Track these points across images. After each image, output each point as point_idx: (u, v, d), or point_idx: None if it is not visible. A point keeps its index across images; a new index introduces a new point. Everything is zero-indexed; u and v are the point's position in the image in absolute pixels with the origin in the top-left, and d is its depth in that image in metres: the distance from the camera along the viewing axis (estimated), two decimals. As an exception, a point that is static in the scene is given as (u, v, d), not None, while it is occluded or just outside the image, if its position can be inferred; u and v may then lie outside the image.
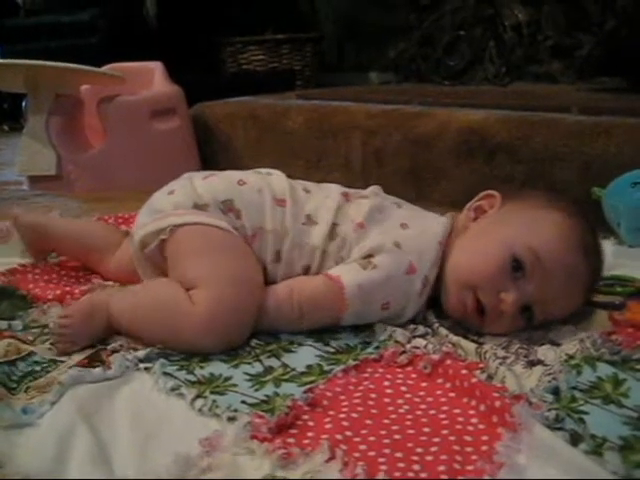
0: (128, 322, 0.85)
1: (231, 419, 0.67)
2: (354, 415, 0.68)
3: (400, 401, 0.71)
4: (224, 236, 0.87)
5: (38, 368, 0.79)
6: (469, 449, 0.62)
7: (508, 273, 0.83)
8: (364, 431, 0.65)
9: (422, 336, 0.83)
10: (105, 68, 1.96)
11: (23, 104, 1.92)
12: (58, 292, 1.01)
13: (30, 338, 0.87)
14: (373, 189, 0.97)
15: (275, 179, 0.94)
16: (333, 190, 0.95)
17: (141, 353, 0.80)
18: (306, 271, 0.89)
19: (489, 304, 0.84)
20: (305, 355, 0.81)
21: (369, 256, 0.85)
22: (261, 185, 0.92)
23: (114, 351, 0.82)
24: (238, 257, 0.86)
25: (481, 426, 0.65)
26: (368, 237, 0.87)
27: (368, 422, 0.67)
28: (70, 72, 1.82)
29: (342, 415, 0.68)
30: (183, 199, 0.90)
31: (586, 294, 0.89)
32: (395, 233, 0.88)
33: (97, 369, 0.77)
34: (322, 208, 0.91)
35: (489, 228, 0.89)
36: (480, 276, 0.84)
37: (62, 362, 0.81)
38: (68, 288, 1.03)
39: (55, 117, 1.84)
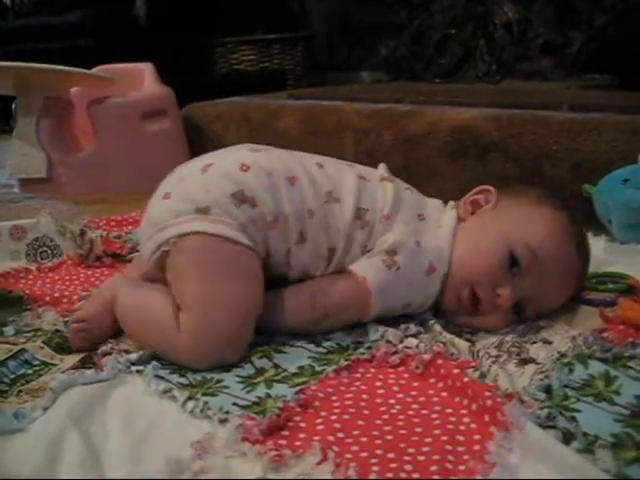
0: (127, 328, 0.85)
1: (223, 421, 0.67)
2: (346, 416, 0.68)
3: (392, 401, 0.71)
4: (226, 249, 0.80)
5: (30, 371, 0.79)
6: (461, 449, 0.62)
7: (506, 269, 0.85)
8: (356, 432, 0.65)
9: (414, 335, 0.83)
10: (95, 70, 1.95)
11: (13, 107, 1.91)
12: (56, 295, 1.01)
13: (22, 341, 0.87)
14: (384, 169, 0.95)
15: (277, 155, 0.89)
16: (345, 168, 0.91)
17: (133, 356, 0.80)
18: (332, 253, 0.86)
19: (485, 298, 0.85)
20: (297, 356, 0.81)
21: (393, 252, 0.85)
22: (268, 166, 0.85)
23: (105, 354, 0.81)
24: (236, 279, 0.80)
25: (473, 425, 0.65)
26: (392, 229, 0.86)
27: (360, 423, 0.66)
28: (60, 74, 1.81)
29: (334, 416, 0.68)
30: (182, 205, 0.82)
31: (577, 285, 0.92)
32: (415, 227, 0.88)
33: (89, 371, 0.77)
34: (342, 186, 0.87)
35: (487, 224, 0.90)
36: (481, 273, 0.85)
37: (54, 365, 0.81)
38: (67, 293, 1.03)
39: (45, 119, 1.83)
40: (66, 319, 0.91)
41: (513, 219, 0.89)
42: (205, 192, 0.82)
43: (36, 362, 0.81)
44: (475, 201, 0.94)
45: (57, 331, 0.88)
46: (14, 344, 0.85)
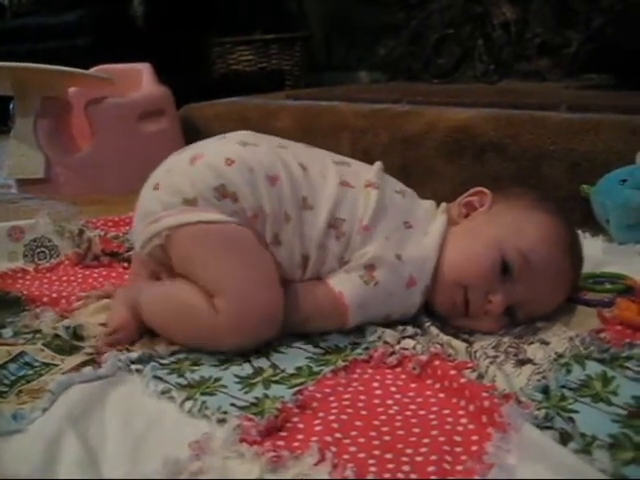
0: (156, 324, 0.86)
1: (221, 421, 0.67)
2: (343, 417, 0.68)
3: (389, 402, 0.71)
4: (226, 231, 0.82)
5: (31, 372, 0.79)
6: (459, 449, 0.62)
7: (497, 275, 0.85)
8: (354, 432, 0.65)
9: (411, 337, 0.83)
10: (93, 70, 1.95)
11: (10, 107, 1.90)
12: (54, 296, 1.01)
13: (21, 342, 0.86)
14: (377, 170, 0.93)
15: (264, 151, 0.88)
16: (330, 172, 0.89)
17: (133, 355, 0.80)
18: (305, 261, 0.86)
19: (476, 303, 0.85)
20: (294, 356, 0.81)
21: (371, 267, 0.84)
22: (251, 162, 0.85)
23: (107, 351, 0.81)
24: (249, 253, 0.82)
25: (471, 426, 0.65)
26: (371, 242, 0.85)
27: (358, 423, 0.66)
28: (57, 74, 1.81)
29: (331, 417, 0.68)
30: (170, 197, 0.84)
31: (569, 290, 0.91)
32: (398, 237, 0.87)
33: (87, 368, 0.77)
34: (320, 193, 0.86)
35: (480, 228, 0.90)
36: (473, 276, 0.85)
37: (55, 365, 0.80)
38: (65, 293, 1.03)
39: (43, 120, 1.83)
40: (66, 322, 0.91)
41: (506, 223, 0.88)
42: (191, 184, 0.83)
43: (37, 364, 0.81)
44: (469, 203, 0.94)
45: (57, 336, 0.88)
46: (13, 345, 0.85)
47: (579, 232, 1.13)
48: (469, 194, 0.95)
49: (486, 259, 0.85)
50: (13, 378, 0.78)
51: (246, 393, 0.73)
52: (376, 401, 0.71)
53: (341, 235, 0.85)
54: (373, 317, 0.86)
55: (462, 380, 0.71)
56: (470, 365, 0.76)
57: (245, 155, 0.86)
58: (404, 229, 0.88)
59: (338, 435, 0.64)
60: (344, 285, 0.85)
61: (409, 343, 0.81)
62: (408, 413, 0.69)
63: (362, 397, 0.72)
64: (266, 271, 0.83)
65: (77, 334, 0.88)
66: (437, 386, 0.73)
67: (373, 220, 0.86)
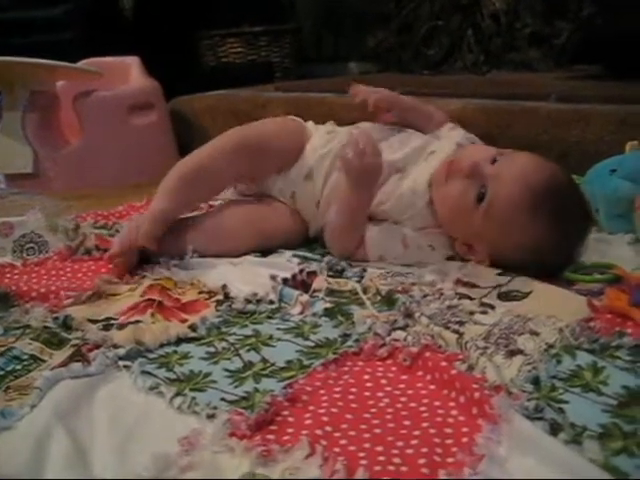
0: None
1: (210, 416, 0.67)
2: (334, 410, 0.67)
3: (380, 394, 0.71)
4: None
5: (19, 367, 0.79)
6: (449, 441, 0.62)
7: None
8: (344, 426, 0.65)
9: (402, 328, 0.83)
10: (81, 63, 1.94)
11: (-3, 101, 1.89)
12: (42, 290, 1.01)
13: (11, 340, 0.86)
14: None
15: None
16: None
17: (121, 351, 0.80)
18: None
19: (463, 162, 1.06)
20: (285, 350, 0.81)
21: None
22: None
23: (96, 346, 0.81)
24: None
25: (461, 418, 0.65)
26: None
27: (348, 416, 0.66)
28: (45, 68, 1.80)
29: (322, 410, 0.67)
30: None
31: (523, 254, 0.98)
32: None
33: (76, 364, 0.77)
34: None
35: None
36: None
37: (43, 361, 0.80)
38: (53, 287, 1.02)
39: (31, 114, 1.82)
40: (55, 315, 0.91)
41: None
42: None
43: (25, 357, 0.81)
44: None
45: (46, 327, 0.88)
46: (3, 346, 0.84)
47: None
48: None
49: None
50: (2, 373, 0.77)
51: (236, 387, 0.73)
52: (367, 394, 0.71)
53: None
54: None
55: (453, 372, 0.71)
56: (461, 356, 0.76)
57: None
58: None
59: (328, 428, 0.64)
60: None
61: (400, 335, 0.81)
62: (399, 405, 0.69)
63: (353, 390, 0.72)
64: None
65: (67, 324, 0.88)
66: (428, 378, 0.73)
67: None
